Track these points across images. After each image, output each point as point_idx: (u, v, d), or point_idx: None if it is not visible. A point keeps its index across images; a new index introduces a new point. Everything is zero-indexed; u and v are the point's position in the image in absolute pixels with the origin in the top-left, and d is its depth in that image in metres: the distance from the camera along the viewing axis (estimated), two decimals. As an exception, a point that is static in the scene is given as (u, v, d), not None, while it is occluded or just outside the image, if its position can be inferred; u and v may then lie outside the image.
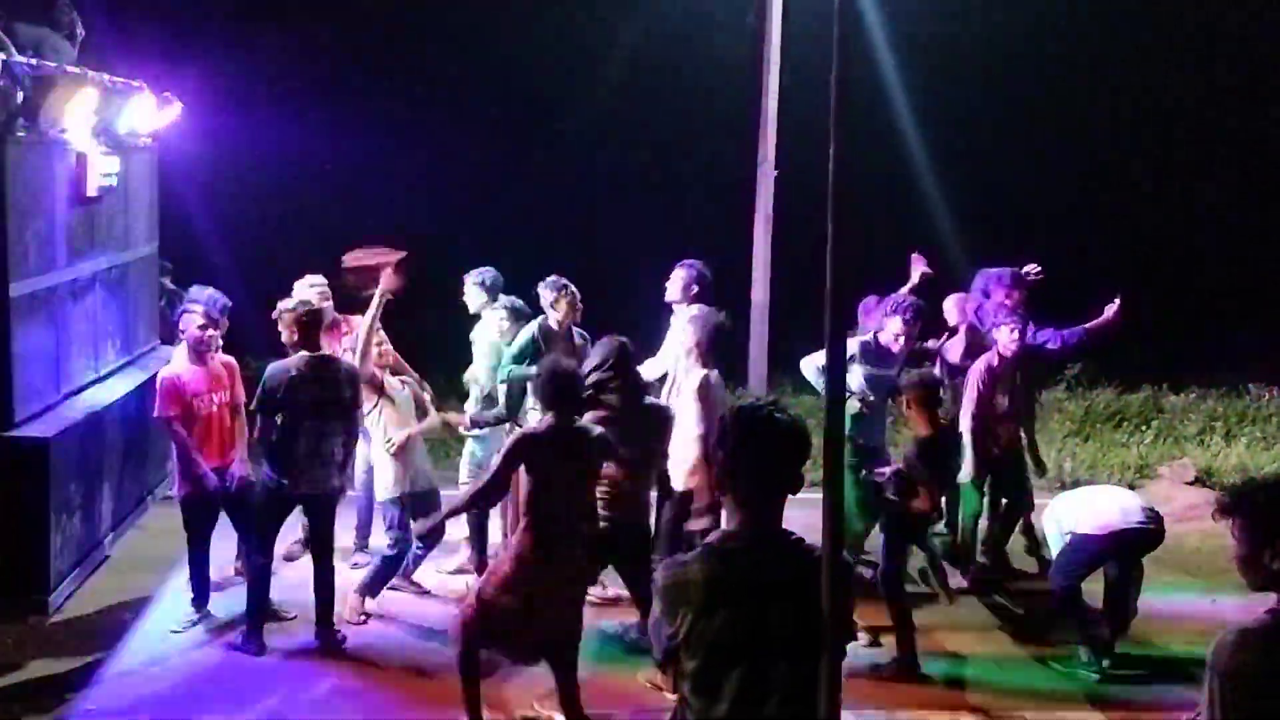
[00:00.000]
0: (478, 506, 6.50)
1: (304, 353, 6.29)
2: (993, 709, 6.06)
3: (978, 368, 7.47)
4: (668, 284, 7.14)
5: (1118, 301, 7.90)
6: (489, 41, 15.28)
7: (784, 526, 3.06)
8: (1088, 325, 7.95)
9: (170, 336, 8.42)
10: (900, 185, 14.29)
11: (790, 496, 3.06)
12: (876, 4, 11.63)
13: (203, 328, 6.48)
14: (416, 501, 6.71)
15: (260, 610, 6.38)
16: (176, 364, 6.50)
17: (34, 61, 5.99)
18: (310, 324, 6.31)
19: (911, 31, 12.71)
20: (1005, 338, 7.41)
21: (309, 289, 7.13)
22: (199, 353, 6.47)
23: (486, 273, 7.49)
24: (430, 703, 5.86)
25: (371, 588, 6.70)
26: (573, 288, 7.06)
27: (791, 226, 11.16)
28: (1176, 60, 15.92)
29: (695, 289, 7.04)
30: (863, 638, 6.54)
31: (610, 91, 14.73)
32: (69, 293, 6.46)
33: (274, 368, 6.27)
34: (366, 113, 14.56)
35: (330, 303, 7.13)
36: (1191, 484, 10.00)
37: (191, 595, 6.68)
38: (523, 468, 5.25)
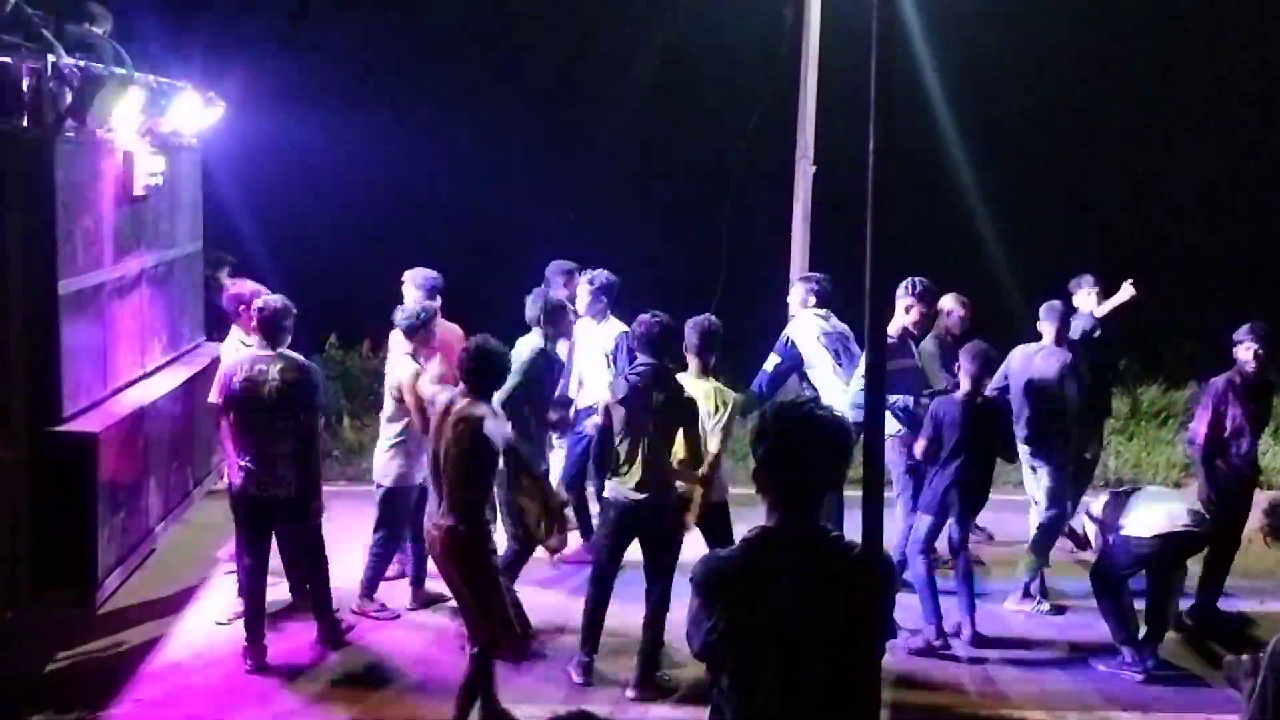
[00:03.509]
0: None
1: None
2: (1036, 710, 6.01)
3: (1216, 386, 7.14)
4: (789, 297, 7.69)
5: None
6: (524, 36, 15.31)
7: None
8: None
9: (221, 332, 8.51)
10: (940, 180, 14.17)
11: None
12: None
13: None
14: None
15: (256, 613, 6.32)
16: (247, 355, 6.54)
17: (81, 63, 6.07)
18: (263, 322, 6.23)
19: (951, 22, 12.57)
20: (1245, 355, 7.07)
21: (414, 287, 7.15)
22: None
23: (600, 275, 7.54)
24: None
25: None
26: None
27: (830, 222, 11.11)
28: (1225, 52, 15.66)
29: (811, 300, 7.45)
30: (904, 635, 6.54)
31: (644, 85, 14.70)
32: (116, 290, 6.54)
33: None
34: (404, 111, 14.64)
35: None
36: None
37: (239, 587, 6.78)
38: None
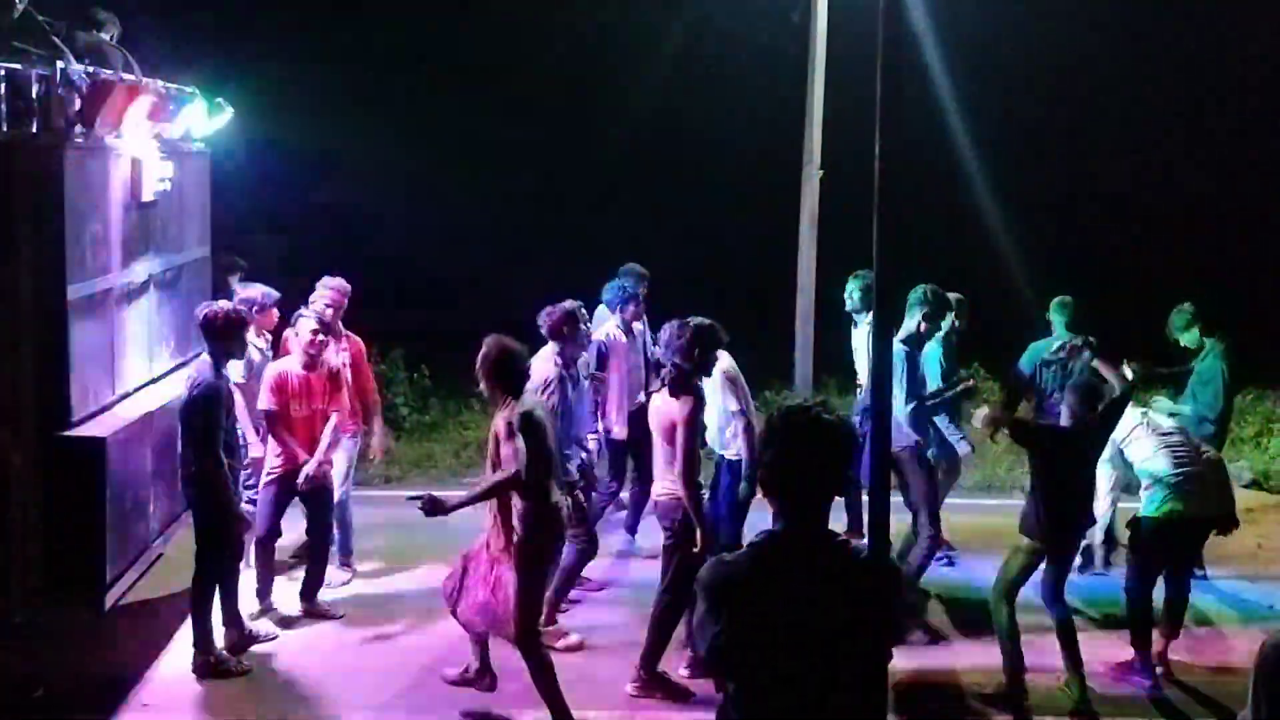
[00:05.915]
0: None
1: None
2: (1044, 716, 6.00)
3: None
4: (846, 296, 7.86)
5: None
6: (534, 43, 15.34)
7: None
8: None
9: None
10: (948, 184, 14.16)
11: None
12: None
13: (314, 332, 6.73)
14: None
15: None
16: (286, 362, 6.83)
17: (90, 69, 6.09)
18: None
19: (958, 28, 12.58)
20: None
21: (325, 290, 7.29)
22: (310, 357, 6.72)
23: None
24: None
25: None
26: None
27: (837, 227, 11.11)
28: (1238, 56, 15.60)
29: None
30: (921, 636, 6.55)
31: (653, 91, 14.72)
32: (124, 295, 6.56)
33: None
34: (411, 116, 14.67)
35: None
36: (1247, 487, 9.82)
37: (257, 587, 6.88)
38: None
